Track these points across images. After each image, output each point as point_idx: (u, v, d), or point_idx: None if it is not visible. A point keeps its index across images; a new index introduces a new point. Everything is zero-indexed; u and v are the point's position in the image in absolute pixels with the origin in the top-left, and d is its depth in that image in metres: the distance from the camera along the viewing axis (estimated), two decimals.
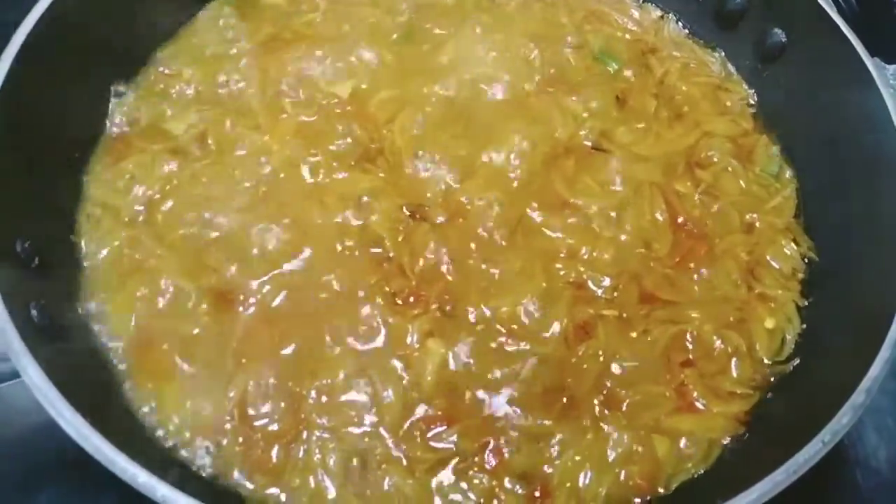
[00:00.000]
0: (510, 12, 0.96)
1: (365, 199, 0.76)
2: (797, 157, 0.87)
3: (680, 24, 0.98)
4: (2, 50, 0.69)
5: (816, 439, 0.57)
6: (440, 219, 0.76)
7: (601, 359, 0.71)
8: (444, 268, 0.73)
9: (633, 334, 0.73)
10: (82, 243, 0.73)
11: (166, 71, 0.86)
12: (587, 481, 0.66)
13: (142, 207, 0.75)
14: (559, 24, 0.95)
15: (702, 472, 0.68)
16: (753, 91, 0.93)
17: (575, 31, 0.95)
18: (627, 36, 0.96)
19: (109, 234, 0.74)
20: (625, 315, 0.73)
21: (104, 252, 0.73)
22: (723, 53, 0.96)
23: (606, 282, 0.75)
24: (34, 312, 0.62)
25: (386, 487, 0.63)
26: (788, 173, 0.87)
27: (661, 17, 0.99)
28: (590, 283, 0.75)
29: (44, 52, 0.72)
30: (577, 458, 0.67)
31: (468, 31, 0.92)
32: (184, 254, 0.72)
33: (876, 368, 0.60)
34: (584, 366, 0.70)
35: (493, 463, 0.65)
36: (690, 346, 0.73)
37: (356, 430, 0.66)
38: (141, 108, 0.82)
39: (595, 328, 0.72)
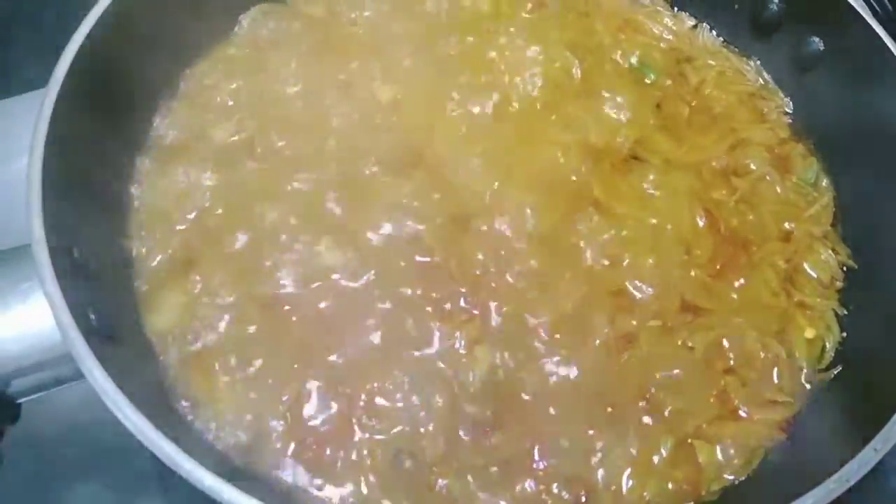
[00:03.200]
0: (546, 21, 0.96)
1: (410, 205, 0.78)
2: (835, 165, 0.88)
3: (714, 32, 0.99)
4: (57, 60, 0.71)
5: (868, 447, 0.57)
6: (483, 227, 0.77)
7: (644, 367, 0.72)
8: (489, 275, 0.74)
9: (675, 343, 0.74)
10: (134, 249, 0.75)
11: (208, 82, 0.88)
12: (631, 486, 0.67)
13: (191, 214, 0.77)
14: (595, 33, 0.96)
15: (744, 478, 0.68)
16: (790, 99, 0.94)
17: (611, 40, 0.95)
18: (662, 45, 0.97)
19: (160, 240, 0.75)
20: (668, 324, 0.74)
21: (155, 257, 0.74)
22: (758, 62, 0.96)
23: (649, 290, 0.76)
24: (92, 316, 0.63)
25: (436, 489, 0.65)
26: (825, 182, 0.87)
27: (695, 26, 0.99)
28: (632, 292, 0.76)
29: (95, 63, 0.73)
30: (621, 463, 0.67)
31: (504, 40, 0.93)
32: (234, 259, 0.74)
33: None
34: (627, 373, 0.71)
35: (540, 467, 0.66)
36: (731, 355, 0.74)
37: (406, 433, 0.67)
38: (186, 118, 0.84)
39: (637, 337, 0.73)
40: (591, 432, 0.69)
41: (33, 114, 0.68)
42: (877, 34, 0.81)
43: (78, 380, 0.63)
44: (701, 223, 0.81)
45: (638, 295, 0.76)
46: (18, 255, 0.65)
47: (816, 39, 0.89)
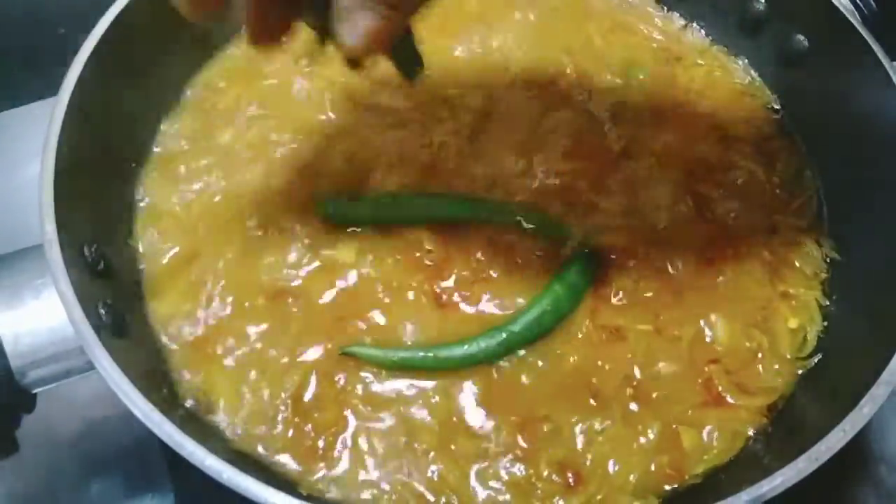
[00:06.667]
0: (537, 22, 0.99)
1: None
2: (820, 159, 0.90)
3: (703, 32, 1.01)
4: (67, 69, 0.75)
5: (837, 429, 0.60)
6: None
7: (632, 358, 0.74)
8: (483, 267, 0.78)
9: (662, 335, 0.76)
10: (141, 247, 0.79)
11: (214, 87, 0.91)
12: (618, 469, 0.69)
13: (197, 214, 0.81)
14: (586, 34, 0.99)
15: (727, 461, 0.71)
16: (776, 96, 0.96)
17: (602, 41, 0.98)
18: (653, 45, 0.99)
19: (167, 238, 0.79)
20: (659, 318, 0.77)
21: (161, 254, 0.78)
22: (745, 60, 0.98)
23: (637, 283, 0.78)
24: (102, 311, 0.67)
25: (429, 474, 0.68)
26: (811, 175, 0.89)
27: (685, 26, 1.02)
28: (618, 285, 0.78)
29: (104, 71, 0.77)
30: (608, 448, 0.70)
31: (498, 40, 0.96)
32: (238, 252, 0.78)
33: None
34: (615, 363, 0.74)
35: (530, 453, 0.69)
36: (716, 344, 0.76)
37: (401, 422, 0.70)
38: (192, 123, 0.88)
39: (627, 333, 0.76)
40: (580, 418, 0.71)
41: (45, 120, 0.71)
42: (858, 32, 0.83)
43: (89, 371, 0.67)
44: (689, 217, 0.84)
45: (627, 287, 0.78)
46: (32, 254, 0.69)
47: (801, 37, 0.91)
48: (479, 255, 0.78)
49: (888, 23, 0.94)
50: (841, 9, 0.85)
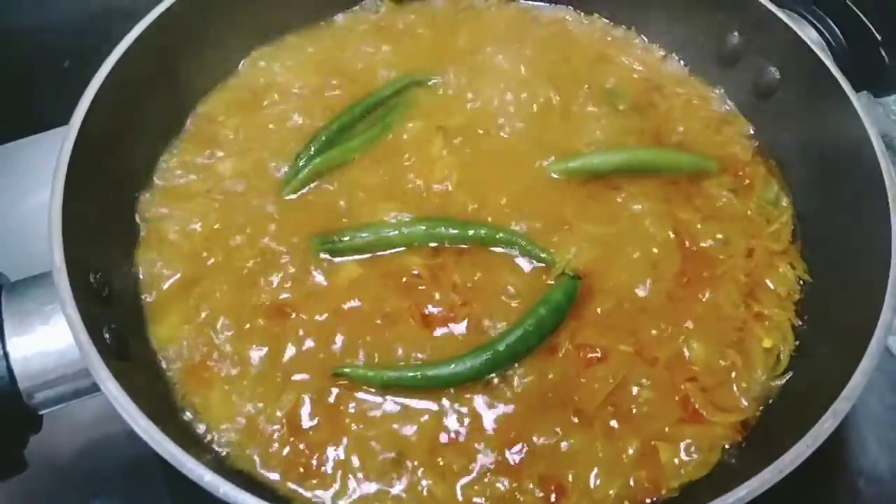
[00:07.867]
0: (527, 53, 1.04)
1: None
2: (794, 185, 0.94)
3: (682, 62, 1.06)
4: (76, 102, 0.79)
5: (801, 442, 0.63)
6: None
7: (612, 379, 0.77)
8: (470, 290, 0.81)
9: (642, 355, 0.79)
10: (144, 274, 0.83)
11: (212, 119, 0.96)
12: (598, 484, 0.72)
13: (196, 241, 0.84)
14: (572, 66, 1.03)
15: (703, 475, 0.74)
16: (752, 124, 1.00)
17: (586, 72, 1.03)
18: (634, 75, 1.04)
19: (168, 265, 0.83)
20: (638, 338, 0.80)
21: (163, 280, 0.82)
22: (722, 90, 1.03)
23: (618, 305, 0.82)
24: (107, 336, 0.70)
25: (418, 489, 0.71)
26: (785, 201, 0.93)
27: (664, 56, 1.06)
28: (600, 307, 0.81)
29: (110, 104, 0.81)
30: (589, 463, 0.73)
31: (488, 71, 1.01)
32: (236, 278, 0.82)
33: (856, 378, 0.67)
34: (595, 383, 0.77)
35: (514, 468, 0.72)
36: (693, 364, 0.80)
37: (391, 437, 0.73)
38: (191, 154, 0.92)
39: (607, 353, 0.79)
40: (563, 434, 0.74)
41: (55, 150, 0.75)
42: (825, 65, 0.88)
43: (94, 393, 0.70)
44: (669, 240, 0.87)
45: (609, 308, 0.82)
46: (41, 282, 0.73)
47: (774, 69, 0.96)
48: (465, 278, 0.82)
49: (855, 58, 0.99)
50: (810, 44, 0.90)
